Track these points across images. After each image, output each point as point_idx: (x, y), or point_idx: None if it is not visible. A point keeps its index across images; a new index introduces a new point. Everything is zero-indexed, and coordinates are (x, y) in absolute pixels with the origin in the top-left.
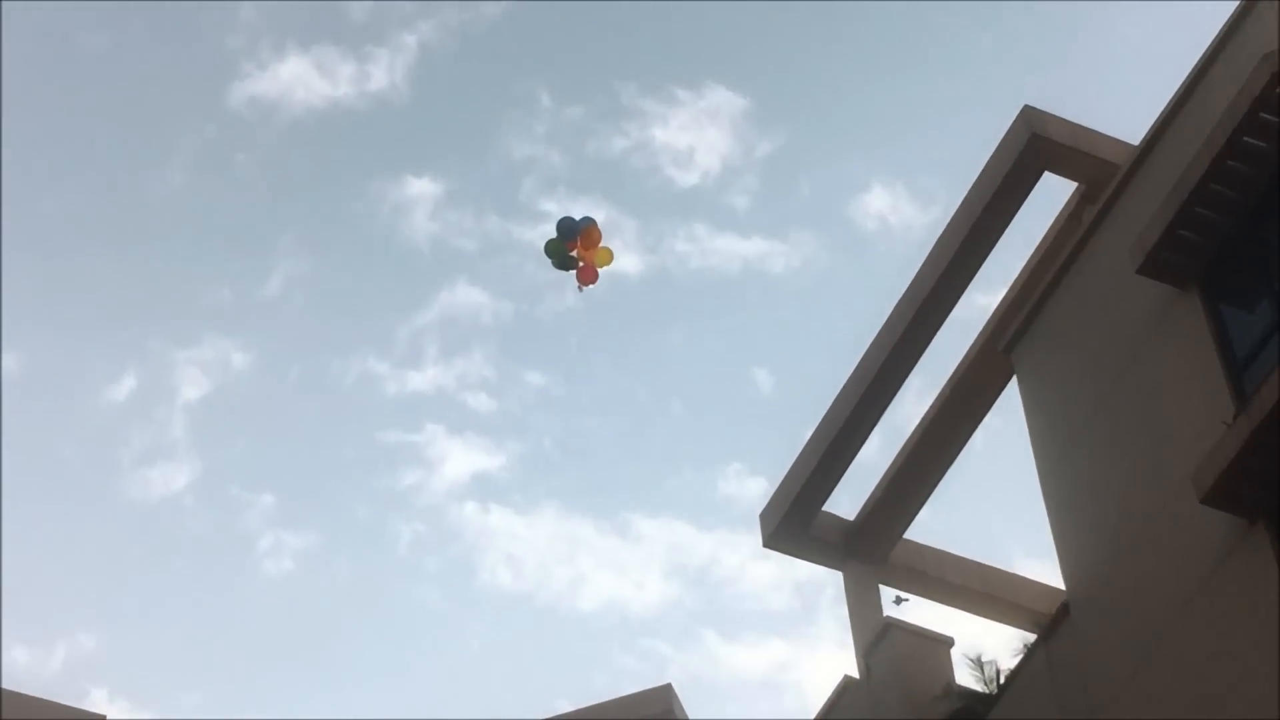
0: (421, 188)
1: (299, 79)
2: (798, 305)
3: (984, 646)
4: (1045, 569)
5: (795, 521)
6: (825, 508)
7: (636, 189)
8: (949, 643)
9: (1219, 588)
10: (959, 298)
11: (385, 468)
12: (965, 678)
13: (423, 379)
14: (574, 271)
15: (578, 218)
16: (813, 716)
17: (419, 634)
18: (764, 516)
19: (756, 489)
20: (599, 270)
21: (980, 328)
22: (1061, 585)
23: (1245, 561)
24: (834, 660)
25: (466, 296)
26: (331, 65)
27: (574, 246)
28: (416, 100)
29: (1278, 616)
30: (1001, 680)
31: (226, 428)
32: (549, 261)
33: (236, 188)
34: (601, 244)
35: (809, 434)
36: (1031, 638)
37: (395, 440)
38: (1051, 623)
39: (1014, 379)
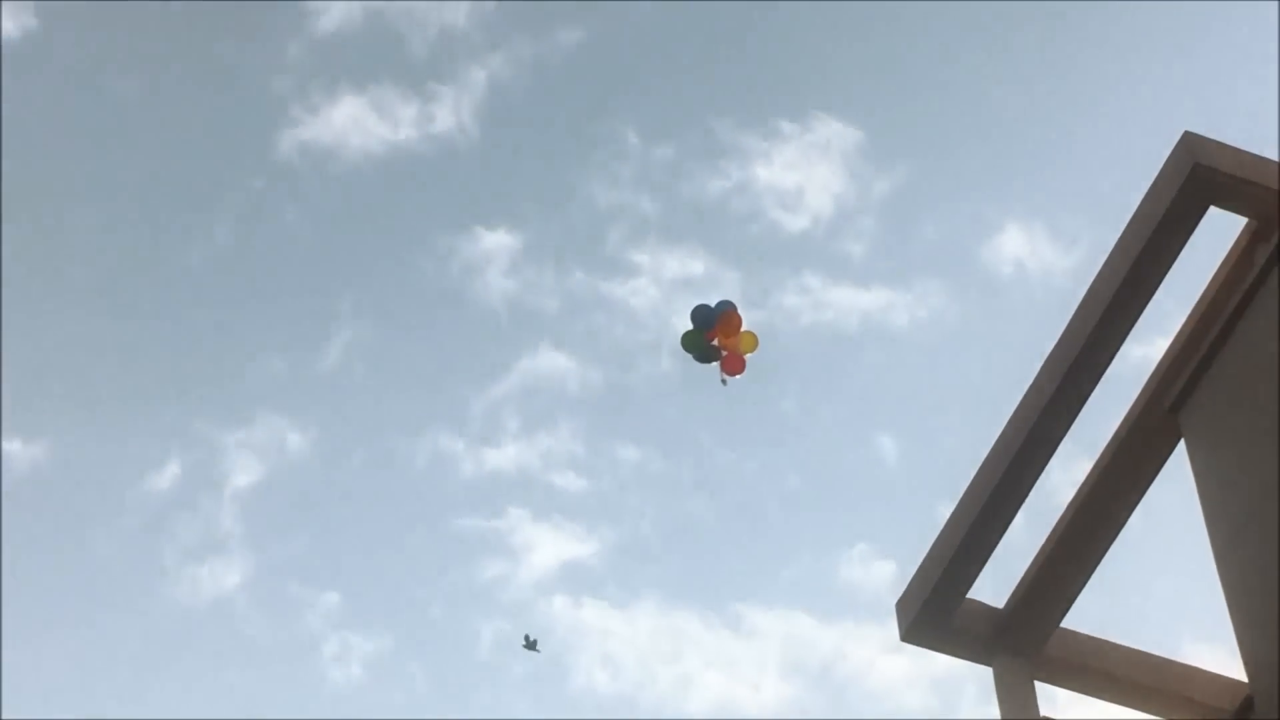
0: (496, 241)
1: (355, 123)
2: (925, 363)
3: None
4: (1223, 658)
5: (936, 611)
6: (970, 594)
7: (738, 236)
8: None
9: None
10: (1117, 351)
11: (463, 559)
12: None
13: (503, 457)
14: (717, 363)
15: (712, 304)
16: None
17: None
18: (900, 606)
19: (885, 573)
20: (745, 358)
21: (1142, 386)
22: (1243, 677)
23: None
24: None
25: (550, 363)
26: (391, 106)
27: (714, 335)
28: (487, 143)
29: None
30: None
31: (283, 518)
32: (689, 356)
33: (289, 246)
34: (743, 328)
35: (946, 510)
36: None
37: (473, 527)
38: (1234, 719)
39: (1182, 443)
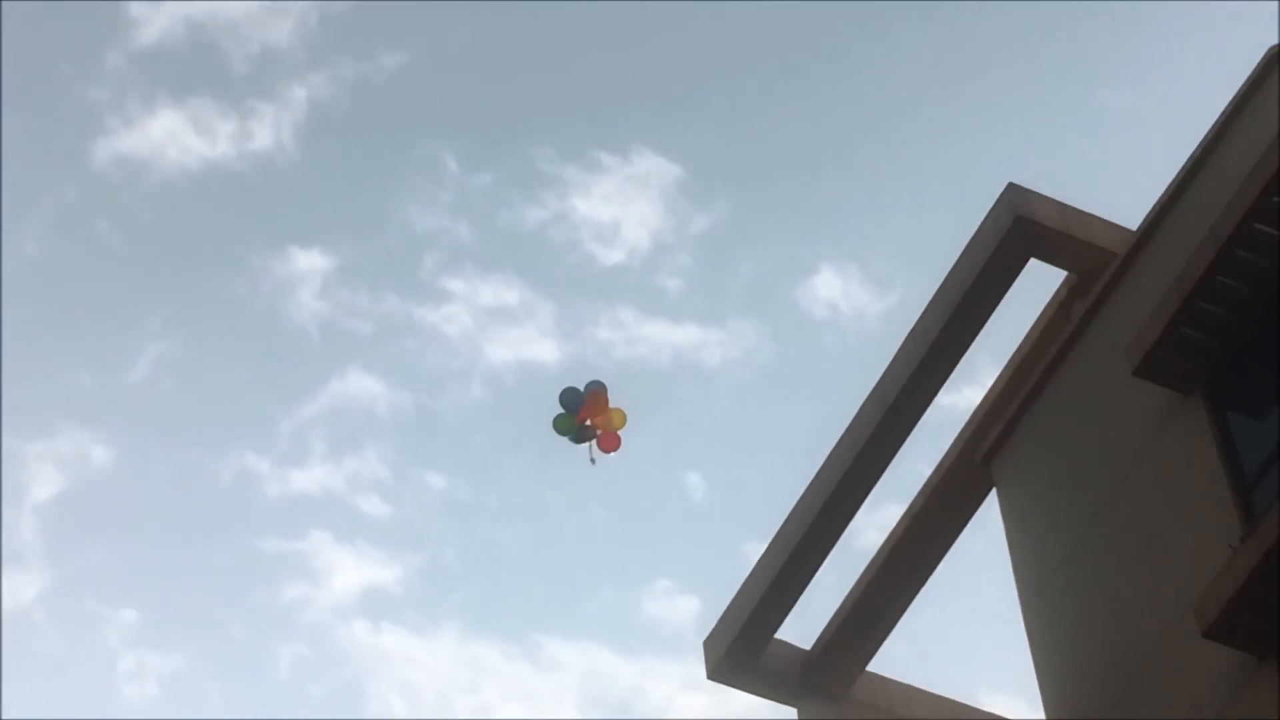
0: (310, 262)
1: (172, 136)
2: (736, 401)
3: None
4: (1026, 707)
5: (744, 651)
6: (779, 635)
7: (554, 267)
8: None
9: None
10: (932, 399)
11: (264, 580)
12: None
13: (308, 479)
14: (593, 442)
15: (582, 387)
16: None
17: None
18: (708, 644)
19: (688, 609)
20: (619, 434)
21: (956, 434)
22: None
23: (1254, 704)
24: None
25: (359, 386)
26: (209, 121)
27: (584, 416)
28: (305, 162)
29: None
30: None
31: (83, 532)
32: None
33: (99, 258)
34: (611, 404)
35: (752, 549)
36: None
37: (276, 549)
38: None
39: (993, 493)
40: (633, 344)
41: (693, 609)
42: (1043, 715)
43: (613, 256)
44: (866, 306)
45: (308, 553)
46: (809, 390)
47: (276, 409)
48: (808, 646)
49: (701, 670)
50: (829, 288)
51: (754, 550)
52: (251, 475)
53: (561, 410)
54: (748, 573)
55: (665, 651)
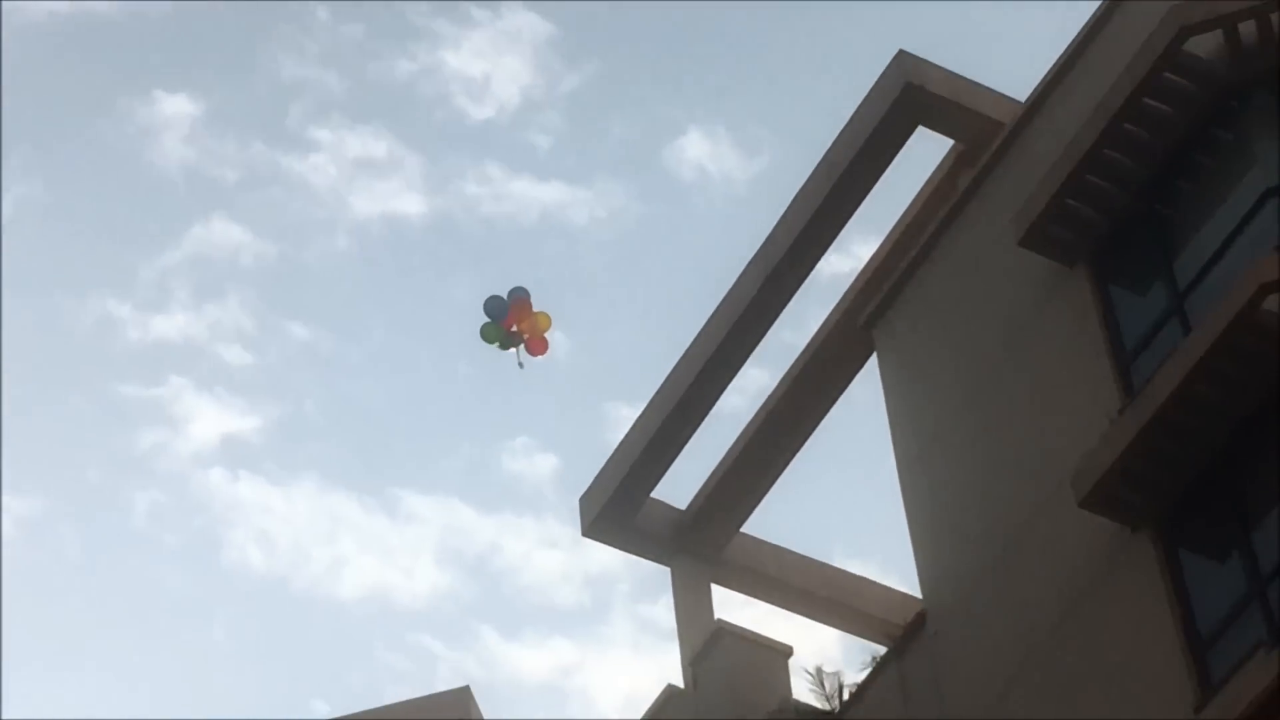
0: (176, 107)
1: None
2: (602, 261)
3: (828, 658)
4: (901, 576)
5: (619, 509)
6: (654, 495)
7: (423, 121)
8: (787, 652)
9: (1097, 602)
10: (816, 263)
11: (122, 426)
12: (804, 693)
13: (170, 325)
14: (521, 346)
15: (505, 294)
16: None
17: (155, 618)
18: (584, 501)
19: (547, 467)
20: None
21: (839, 299)
22: (919, 594)
23: (1127, 573)
24: (627, 665)
25: (224, 234)
26: None
27: (510, 322)
28: (174, 6)
29: (1160, 635)
30: (845, 696)
31: None
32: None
33: None
34: (535, 310)
35: (611, 408)
36: (882, 651)
37: (135, 395)
38: (905, 635)
39: (874, 358)
40: (500, 201)
41: (551, 466)
42: (917, 582)
43: (482, 112)
44: (735, 171)
45: (167, 400)
46: (675, 252)
47: (139, 255)
48: (684, 506)
49: (560, 528)
50: (698, 150)
51: (615, 410)
52: (112, 321)
53: (487, 319)
54: (624, 431)
55: (524, 508)
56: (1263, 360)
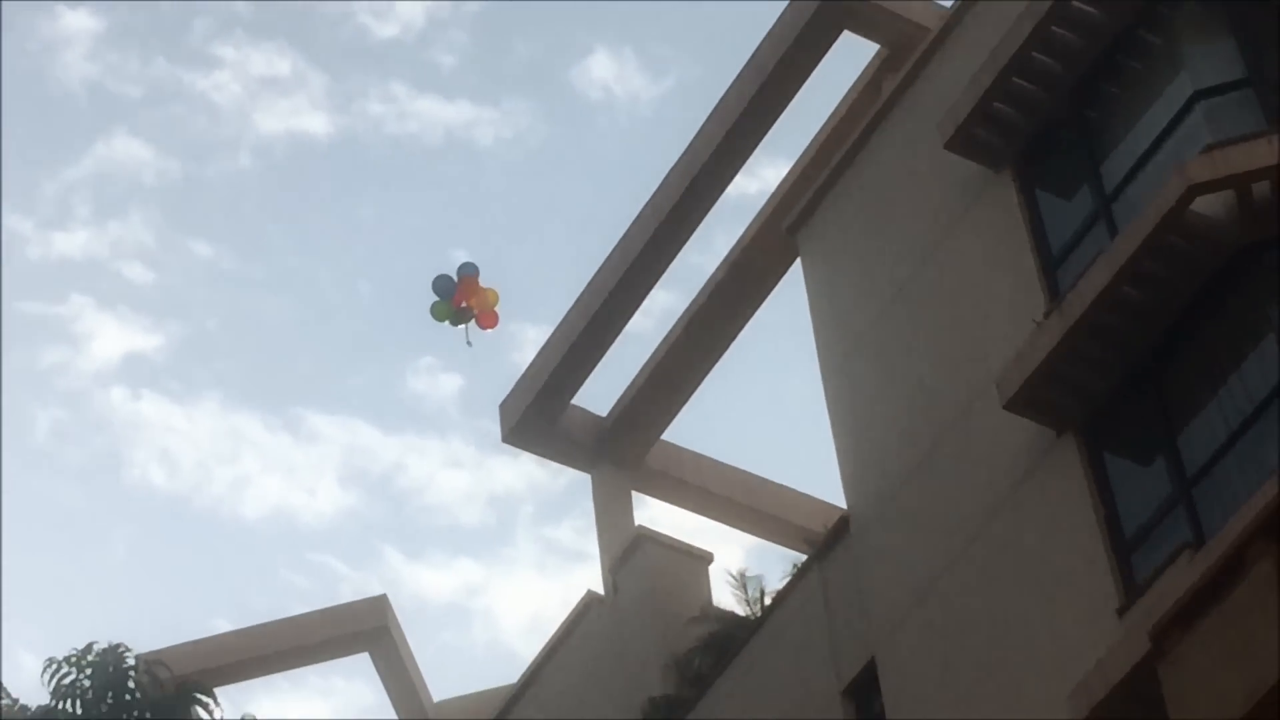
0: (79, 22)
1: None
2: (506, 180)
3: (750, 568)
4: (824, 487)
5: (540, 415)
6: (575, 402)
7: (326, 38)
8: (708, 559)
9: (1022, 504)
10: (738, 170)
11: (22, 343)
12: (727, 599)
13: (71, 243)
14: (472, 322)
15: (453, 273)
16: (549, 638)
17: (56, 536)
18: (504, 408)
19: (450, 387)
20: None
21: (761, 206)
22: (841, 504)
23: (1052, 476)
24: (532, 585)
25: (126, 150)
26: None
27: (459, 299)
28: None
29: (1085, 538)
30: (767, 602)
31: None
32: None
33: None
34: (484, 286)
35: (516, 327)
36: (804, 560)
37: (35, 312)
38: (828, 540)
39: (798, 265)
40: (404, 120)
41: (456, 387)
42: (840, 491)
43: (387, 30)
44: (641, 91)
45: (68, 317)
46: (580, 172)
47: (40, 171)
48: (604, 414)
49: (464, 448)
50: (604, 70)
51: (520, 330)
52: (13, 237)
53: (437, 298)
54: (529, 351)
55: (428, 429)
56: (1191, 262)
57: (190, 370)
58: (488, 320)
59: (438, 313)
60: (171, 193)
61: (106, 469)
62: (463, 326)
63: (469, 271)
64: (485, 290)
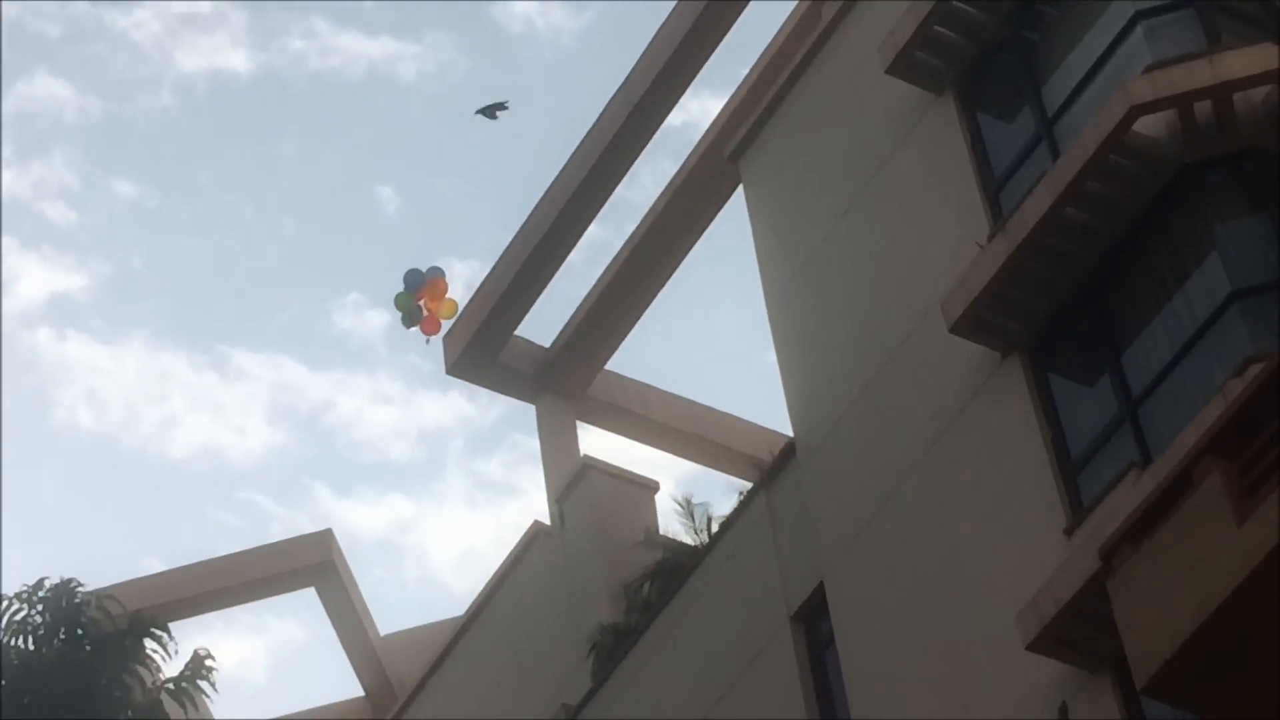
0: None
1: None
2: (430, 116)
3: (696, 495)
4: (768, 415)
5: (484, 346)
6: (519, 332)
7: None
8: (653, 487)
9: (968, 427)
10: (679, 98)
11: None
12: (675, 528)
13: None
14: (419, 325)
15: (424, 269)
16: (497, 568)
17: None
18: (448, 340)
19: (378, 323)
20: (442, 322)
21: (702, 134)
22: (788, 431)
23: (997, 398)
24: (463, 519)
25: (46, 90)
26: None
27: (422, 296)
28: None
29: (1031, 459)
30: (714, 529)
31: None
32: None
33: None
34: (448, 295)
35: (442, 262)
36: (751, 486)
37: None
38: (774, 465)
39: (740, 192)
40: (326, 55)
41: (383, 323)
42: (785, 419)
43: None
44: (563, 24)
45: None
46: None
47: None
48: (548, 344)
49: (392, 384)
50: (525, 3)
51: (448, 266)
52: None
53: (403, 289)
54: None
55: (356, 365)
56: (1134, 182)
57: (116, 310)
58: (430, 325)
59: (400, 303)
60: (93, 132)
61: (33, 410)
62: (414, 329)
63: (438, 275)
64: (446, 300)
